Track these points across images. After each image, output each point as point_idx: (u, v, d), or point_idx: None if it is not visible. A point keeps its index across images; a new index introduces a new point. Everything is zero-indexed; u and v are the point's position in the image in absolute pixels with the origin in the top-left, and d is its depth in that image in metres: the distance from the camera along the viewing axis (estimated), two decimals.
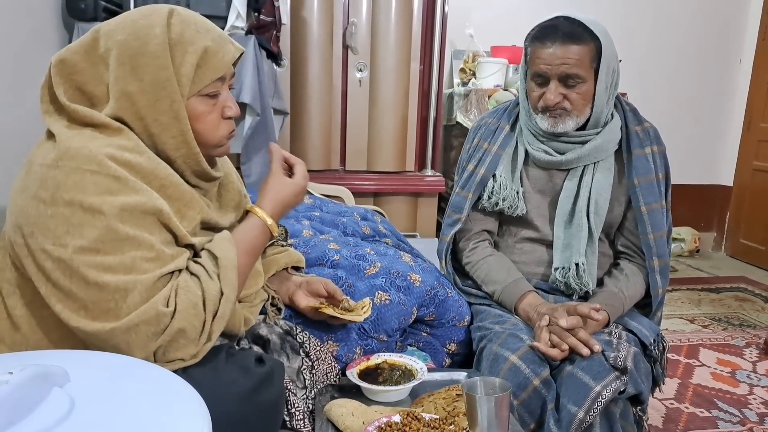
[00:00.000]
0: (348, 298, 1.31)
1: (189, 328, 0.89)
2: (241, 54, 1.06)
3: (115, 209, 0.87)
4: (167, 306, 0.89)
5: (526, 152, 1.48)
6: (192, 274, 0.95)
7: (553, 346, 1.25)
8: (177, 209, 0.96)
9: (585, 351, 1.22)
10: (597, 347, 1.23)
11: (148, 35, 0.93)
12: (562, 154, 1.43)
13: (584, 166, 1.44)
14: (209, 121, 1.00)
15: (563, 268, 1.42)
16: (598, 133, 1.42)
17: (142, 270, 0.88)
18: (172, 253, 0.93)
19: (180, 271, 0.94)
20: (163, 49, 0.93)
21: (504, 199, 1.46)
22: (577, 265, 1.40)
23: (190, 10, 1.01)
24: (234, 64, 1.06)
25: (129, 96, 0.94)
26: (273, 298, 1.27)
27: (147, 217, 0.90)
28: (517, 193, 1.46)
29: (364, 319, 1.28)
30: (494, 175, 1.48)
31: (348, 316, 1.25)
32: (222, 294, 0.94)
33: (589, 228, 1.41)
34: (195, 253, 1.00)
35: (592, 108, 1.39)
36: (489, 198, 1.48)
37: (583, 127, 1.43)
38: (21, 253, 0.90)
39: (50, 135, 0.94)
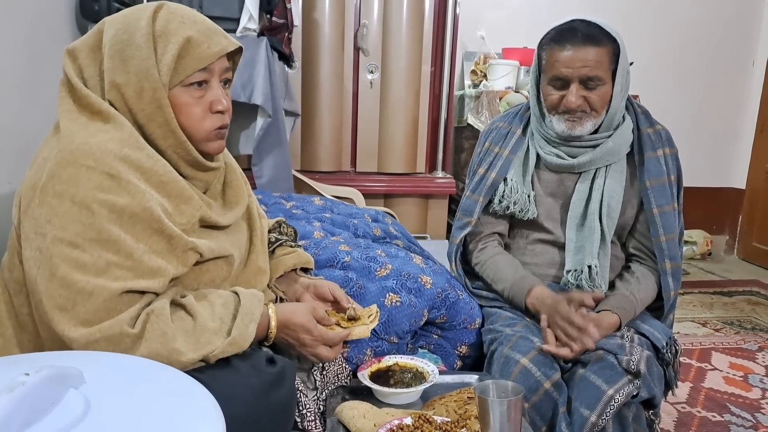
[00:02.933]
0: (354, 306, 1.26)
1: (153, 357, 0.87)
2: (240, 51, 1.06)
3: (104, 209, 0.88)
4: (133, 327, 0.88)
5: (538, 156, 1.48)
6: (179, 305, 0.95)
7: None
8: (175, 205, 0.97)
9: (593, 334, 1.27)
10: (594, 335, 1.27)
11: (135, 28, 0.95)
12: (573, 157, 1.43)
13: (596, 169, 1.43)
14: (194, 113, 0.99)
15: (575, 270, 1.42)
16: (609, 136, 1.41)
17: (113, 276, 0.88)
18: (152, 265, 0.91)
19: (157, 296, 0.94)
20: (147, 40, 0.94)
21: (515, 203, 1.46)
22: (589, 267, 1.40)
23: (184, 6, 1.01)
24: (234, 61, 1.06)
25: (118, 88, 0.95)
26: (281, 299, 1.27)
27: (137, 224, 0.90)
28: (528, 196, 1.46)
29: (371, 331, 1.25)
30: (505, 179, 1.48)
31: (354, 334, 1.19)
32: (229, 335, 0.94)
33: (602, 230, 1.41)
34: (200, 254, 1.00)
35: (607, 110, 1.38)
36: (500, 202, 1.48)
37: (595, 131, 1.42)
38: (18, 243, 0.92)
39: (56, 130, 0.96)
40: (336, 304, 1.26)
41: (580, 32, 1.32)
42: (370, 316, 1.22)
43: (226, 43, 1.00)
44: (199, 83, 0.99)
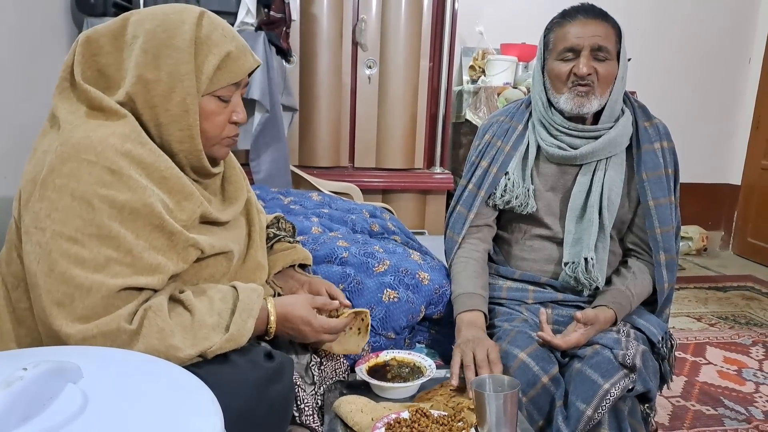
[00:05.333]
0: (345, 309, 1.23)
1: (150, 352, 0.87)
2: (257, 66, 1.08)
3: (104, 204, 0.87)
4: (130, 323, 0.88)
5: (538, 149, 1.48)
6: (178, 301, 0.95)
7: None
8: (177, 201, 0.97)
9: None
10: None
11: (177, 29, 0.96)
12: (575, 148, 1.43)
13: (597, 162, 1.44)
14: (217, 121, 1.03)
15: (573, 263, 1.42)
16: (611, 128, 1.42)
17: (112, 273, 0.87)
18: (152, 262, 0.91)
19: (155, 292, 0.94)
20: (189, 45, 0.96)
21: (516, 197, 1.46)
22: (585, 260, 1.40)
23: (219, 17, 1.04)
24: (249, 74, 1.08)
25: (146, 83, 0.96)
26: (279, 294, 1.27)
27: (137, 220, 0.90)
28: (528, 191, 1.46)
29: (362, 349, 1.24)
30: (506, 173, 1.48)
31: (346, 348, 1.20)
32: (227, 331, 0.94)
33: (601, 223, 1.41)
34: (201, 251, 1.00)
35: (610, 93, 1.39)
36: (502, 196, 1.48)
37: (596, 120, 1.43)
38: (17, 237, 0.93)
39: (53, 123, 0.96)
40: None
41: (590, 9, 1.39)
42: (364, 319, 1.21)
43: (253, 61, 1.05)
44: (227, 96, 1.03)
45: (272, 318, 1.06)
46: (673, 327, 2.66)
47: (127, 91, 0.96)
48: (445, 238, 1.60)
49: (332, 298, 1.25)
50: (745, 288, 3.38)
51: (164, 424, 0.63)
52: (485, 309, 1.40)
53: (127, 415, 0.64)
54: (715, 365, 2.31)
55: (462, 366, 1.23)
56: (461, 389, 1.21)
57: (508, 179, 1.47)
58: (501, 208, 1.50)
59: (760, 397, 2.07)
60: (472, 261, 1.49)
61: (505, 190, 1.47)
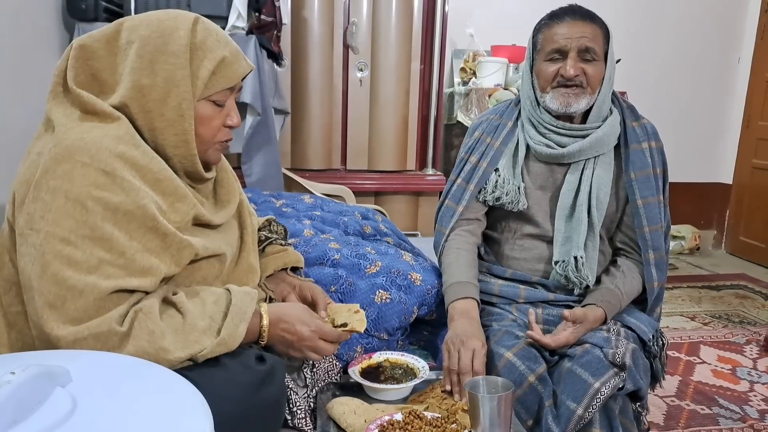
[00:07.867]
0: (331, 308, 1.23)
1: (141, 355, 0.86)
2: (251, 71, 1.09)
3: (98, 206, 0.87)
4: (121, 325, 0.88)
5: (527, 148, 1.49)
6: (170, 303, 0.95)
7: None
8: (170, 203, 0.97)
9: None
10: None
11: (171, 35, 0.97)
12: (563, 147, 1.44)
13: (585, 161, 1.44)
14: (212, 125, 1.04)
15: (563, 261, 1.42)
16: (599, 127, 1.43)
17: (104, 275, 0.87)
18: (144, 264, 0.91)
19: (147, 294, 0.93)
20: (184, 51, 0.97)
21: (507, 194, 1.46)
22: (575, 258, 1.40)
23: (213, 23, 1.05)
24: (242, 79, 1.09)
25: (141, 88, 0.96)
26: (271, 298, 1.27)
27: (131, 221, 0.90)
28: (518, 188, 1.47)
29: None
30: (496, 170, 1.49)
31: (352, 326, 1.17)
32: (218, 335, 0.93)
33: (590, 222, 1.42)
34: (196, 253, 1.00)
35: (598, 93, 1.40)
36: (492, 192, 1.48)
37: (584, 119, 1.44)
38: (9, 241, 0.92)
39: (48, 126, 0.96)
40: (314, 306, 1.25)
41: (578, 10, 1.40)
42: (352, 310, 1.19)
43: (247, 66, 1.06)
44: (222, 100, 1.04)
45: (265, 322, 1.04)
46: (667, 326, 2.67)
47: (121, 95, 0.96)
48: (434, 233, 1.60)
49: (313, 302, 1.23)
50: (738, 287, 3.40)
51: (153, 427, 0.63)
52: (478, 297, 1.40)
53: (116, 418, 0.64)
54: (710, 364, 2.32)
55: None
56: (450, 392, 1.22)
57: (499, 175, 1.47)
58: (491, 204, 1.50)
59: (755, 395, 2.08)
60: (464, 252, 1.49)
61: (495, 186, 1.48)
